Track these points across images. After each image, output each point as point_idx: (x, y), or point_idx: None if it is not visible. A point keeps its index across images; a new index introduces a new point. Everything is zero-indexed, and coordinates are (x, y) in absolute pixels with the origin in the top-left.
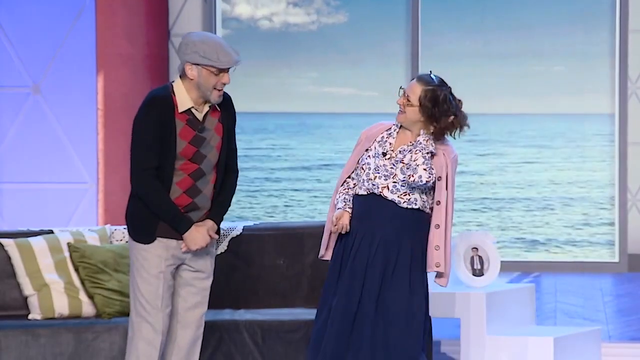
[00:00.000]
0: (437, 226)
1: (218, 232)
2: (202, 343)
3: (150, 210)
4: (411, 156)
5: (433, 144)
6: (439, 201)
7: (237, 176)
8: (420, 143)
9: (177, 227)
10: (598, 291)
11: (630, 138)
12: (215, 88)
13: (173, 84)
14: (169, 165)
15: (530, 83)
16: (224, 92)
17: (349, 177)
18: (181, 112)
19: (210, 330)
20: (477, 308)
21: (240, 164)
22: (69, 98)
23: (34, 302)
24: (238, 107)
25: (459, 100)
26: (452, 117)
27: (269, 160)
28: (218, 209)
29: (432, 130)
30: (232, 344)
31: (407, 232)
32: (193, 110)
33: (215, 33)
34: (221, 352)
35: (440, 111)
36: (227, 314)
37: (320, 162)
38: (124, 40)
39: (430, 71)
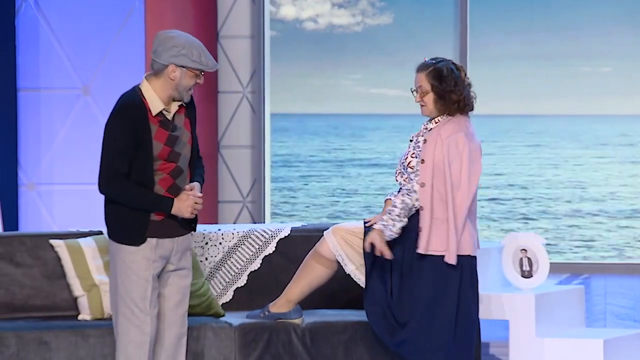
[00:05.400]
0: (422, 208)
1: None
2: (251, 344)
3: (133, 209)
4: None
5: (432, 128)
6: (423, 183)
7: (202, 159)
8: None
9: (162, 209)
10: None
11: None
12: (190, 89)
13: (140, 86)
14: (149, 168)
15: (579, 84)
16: None
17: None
18: (154, 115)
19: (259, 331)
20: (526, 310)
21: (289, 169)
22: None
23: (83, 302)
24: (289, 108)
25: (461, 67)
26: (457, 91)
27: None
28: (196, 178)
29: (447, 109)
30: (280, 345)
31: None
32: (164, 112)
33: (263, 34)
34: (270, 354)
35: (447, 84)
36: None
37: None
38: None
39: (425, 58)
